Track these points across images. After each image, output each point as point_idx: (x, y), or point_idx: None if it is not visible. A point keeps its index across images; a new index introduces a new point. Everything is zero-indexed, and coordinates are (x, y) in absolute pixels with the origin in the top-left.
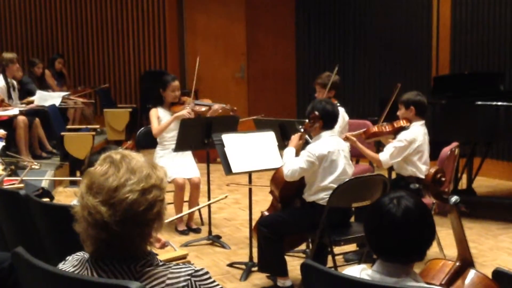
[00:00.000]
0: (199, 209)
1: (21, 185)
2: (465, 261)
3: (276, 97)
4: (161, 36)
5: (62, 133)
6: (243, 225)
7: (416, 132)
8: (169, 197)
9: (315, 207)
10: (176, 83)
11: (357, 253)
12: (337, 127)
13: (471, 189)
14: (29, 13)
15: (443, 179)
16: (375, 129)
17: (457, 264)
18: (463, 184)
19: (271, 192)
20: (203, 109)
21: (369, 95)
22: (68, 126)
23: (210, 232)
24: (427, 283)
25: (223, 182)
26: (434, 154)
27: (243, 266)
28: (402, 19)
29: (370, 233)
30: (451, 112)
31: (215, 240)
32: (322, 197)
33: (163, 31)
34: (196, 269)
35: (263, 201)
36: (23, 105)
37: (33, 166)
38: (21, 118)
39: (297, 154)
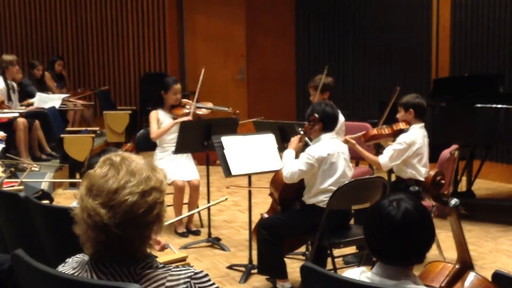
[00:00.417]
0: (198, 212)
1: (21, 187)
2: (465, 264)
3: (275, 99)
4: (161, 38)
5: (62, 135)
6: (242, 228)
7: (416, 135)
8: (168, 199)
9: (314, 210)
10: (178, 86)
11: (357, 256)
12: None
13: (470, 191)
14: (29, 15)
15: (443, 181)
16: (374, 132)
17: (457, 266)
18: (462, 186)
19: (271, 194)
20: (205, 112)
21: (368, 97)
22: (68, 128)
23: (209, 234)
24: (427, 286)
25: (222, 184)
26: (433, 157)
27: (243, 269)
28: (402, 21)
29: (369, 236)
30: (451, 115)
31: (214, 242)
32: (322, 199)
33: (163, 33)
34: (195, 271)
35: (262, 204)
36: (23, 107)
37: (32, 168)
38: (21, 120)
39: (296, 156)
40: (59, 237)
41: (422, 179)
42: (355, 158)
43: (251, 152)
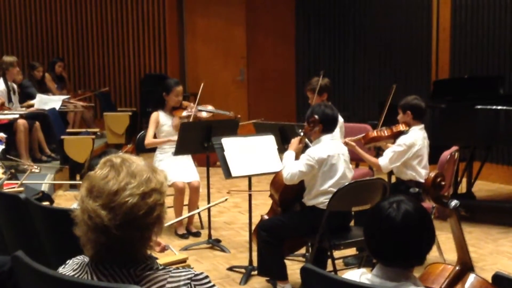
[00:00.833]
0: (198, 213)
1: (21, 188)
2: (465, 265)
3: (276, 100)
4: (161, 39)
5: (62, 137)
6: (242, 229)
7: (415, 136)
8: (168, 200)
9: (314, 211)
10: (180, 88)
11: (357, 257)
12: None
13: (471, 193)
14: (29, 16)
15: (443, 183)
16: (374, 134)
17: (457, 268)
18: (462, 188)
19: (271, 196)
20: (206, 115)
21: (368, 98)
22: (68, 130)
23: (210, 236)
24: (427, 287)
25: (222, 185)
26: (433, 158)
27: (243, 270)
28: (402, 22)
29: (369, 237)
30: (451, 116)
31: (214, 244)
32: (322, 201)
33: (163, 34)
34: (196, 273)
35: (262, 205)
36: (23, 109)
37: (33, 170)
38: (21, 121)
39: (296, 158)
40: (59, 238)
41: (422, 180)
42: (355, 159)
43: (251, 154)
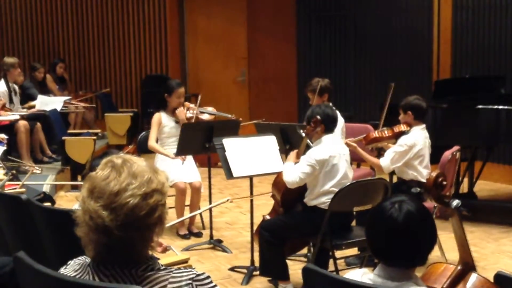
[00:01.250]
0: (200, 213)
1: (23, 189)
2: (467, 265)
3: (277, 101)
4: (162, 40)
5: (64, 138)
6: (244, 229)
7: (416, 136)
8: (170, 201)
9: (316, 211)
10: (182, 89)
11: (359, 257)
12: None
13: (472, 192)
14: (30, 17)
15: (444, 183)
16: (375, 134)
17: (459, 268)
18: (464, 188)
19: (273, 196)
20: (208, 118)
21: (370, 99)
22: (70, 131)
23: (211, 236)
24: (429, 287)
25: (224, 186)
26: (435, 158)
27: (245, 270)
28: (403, 22)
29: (371, 237)
30: (452, 116)
31: (216, 244)
32: (324, 201)
33: (164, 35)
34: (197, 273)
35: (264, 205)
36: (25, 110)
37: (34, 171)
38: (22, 122)
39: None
40: (60, 239)
41: (423, 180)
42: (356, 160)
43: (253, 154)
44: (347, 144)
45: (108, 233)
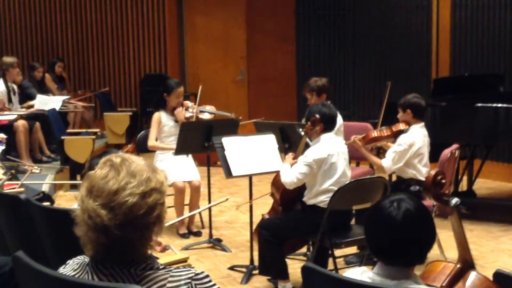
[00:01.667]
0: (199, 212)
1: (22, 189)
2: (466, 263)
3: (276, 100)
4: (161, 39)
5: (62, 137)
6: (243, 228)
7: (415, 135)
8: (169, 200)
9: (315, 210)
10: (181, 89)
11: (358, 256)
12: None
13: (471, 191)
14: (29, 17)
15: (444, 181)
16: (374, 134)
17: (458, 266)
18: (463, 186)
19: (272, 195)
20: (208, 117)
21: (369, 98)
22: (68, 130)
23: (210, 235)
24: (428, 285)
25: (223, 185)
26: (434, 156)
27: (244, 269)
28: (402, 21)
29: (370, 236)
30: (451, 114)
31: (215, 243)
32: (323, 200)
33: (163, 35)
34: (196, 272)
35: (263, 204)
36: (23, 109)
37: (33, 170)
38: (21, 122)
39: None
40: (59, 239)
41: (423, 179)
42: (356, 158)
43: (252, 153)
44: (353, 142)
45: (107, 232)
